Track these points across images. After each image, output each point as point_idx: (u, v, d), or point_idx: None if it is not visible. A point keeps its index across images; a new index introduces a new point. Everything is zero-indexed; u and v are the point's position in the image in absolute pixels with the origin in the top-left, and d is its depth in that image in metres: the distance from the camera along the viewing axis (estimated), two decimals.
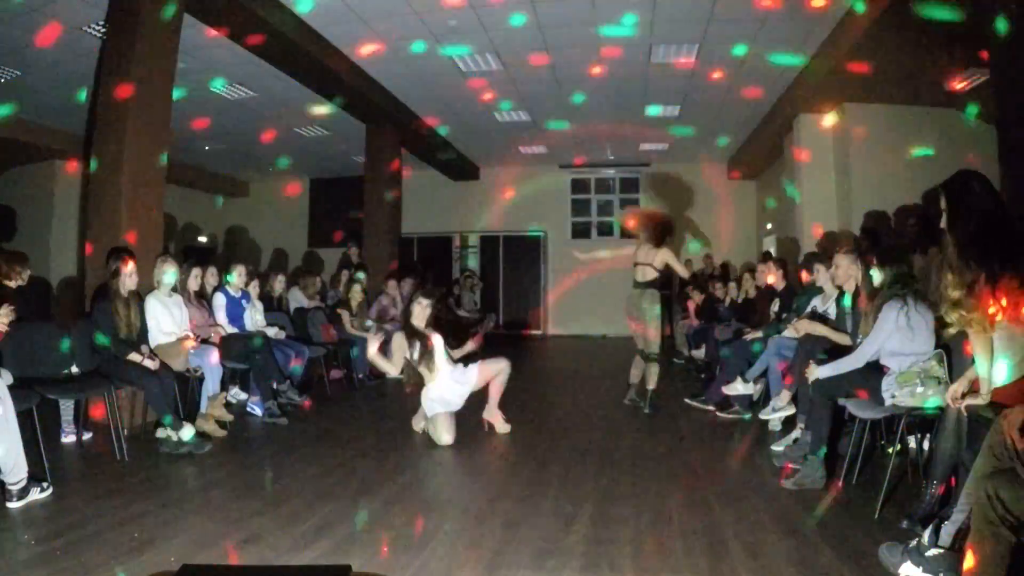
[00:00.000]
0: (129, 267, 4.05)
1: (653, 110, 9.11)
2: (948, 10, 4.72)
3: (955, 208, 2.36)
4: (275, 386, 4.90)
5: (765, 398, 4.81)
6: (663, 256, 5.04)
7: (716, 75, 7.58)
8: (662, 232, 5.14)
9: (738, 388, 4.87)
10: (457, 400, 4.26)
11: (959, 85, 6.59)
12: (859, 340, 3.49)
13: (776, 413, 4.34)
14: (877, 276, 3.20)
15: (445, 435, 4.03)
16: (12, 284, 4.28)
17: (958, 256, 2.29)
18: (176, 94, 5.12)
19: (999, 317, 2.23)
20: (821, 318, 4.22)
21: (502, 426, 4.38)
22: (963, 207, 2.34)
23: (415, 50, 6.89)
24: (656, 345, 5.08)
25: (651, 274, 5.05)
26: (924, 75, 6.39)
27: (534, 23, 6.27)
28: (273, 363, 4.93)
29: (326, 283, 8.08)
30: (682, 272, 5.36)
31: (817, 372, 3.30)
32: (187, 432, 3.81)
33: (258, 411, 4.86)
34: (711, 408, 5.06)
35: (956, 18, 4.67)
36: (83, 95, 6.85)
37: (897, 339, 3.02)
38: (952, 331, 2.51)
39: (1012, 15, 3.96)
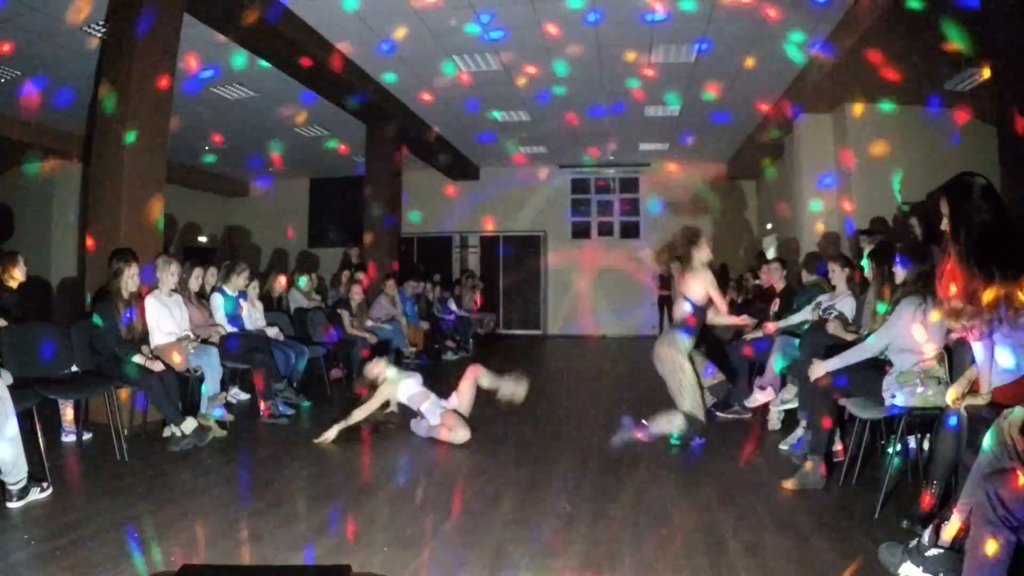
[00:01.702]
0: (132, 269, 4.06)
1: (653, 110, 9.12)
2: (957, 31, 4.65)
3: (957, 213, 2.36)
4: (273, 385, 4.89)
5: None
6: (700, 282, 3.88)
7: (716, 74, 7.58)
8: (687, 243, 3.96)
9: (757, 399, 4.65)
10: (442, 399, 4.36)
11: (959, 86, 6.59)
12: (864, 333, 3.49)
13: (784, 405, 4.33)
14: (901, 272, 3.16)
15: (462, 431, 4.08)
16: (12, 284, 4.28)
17: (962, 264, 2.28)
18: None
19: (1000, 324, 2.23)
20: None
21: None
22: (965, 212, 2.33)
23: (416, 50, 6.90)
24: (689, 403, 3.87)
25: (685, 309, 3.91)
26: (924, 75, 6.39)
27: (534, 22, 6.28)
28: (272, 363, 4.92)
29: (325, 281, 8.07)
30: (721, 306, 4.01)
31: (824, 365, 3.25)
32: (189, 424, 3.81)
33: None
34: (744, 415, 4.90)
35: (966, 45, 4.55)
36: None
37: (911, 336, 3.01)
38: (954, 336, 2.50)
39: (1013, 14, 3.97)
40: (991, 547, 1.76)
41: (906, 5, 4.87)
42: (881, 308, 3.46)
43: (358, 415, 4.26)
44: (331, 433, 4.13)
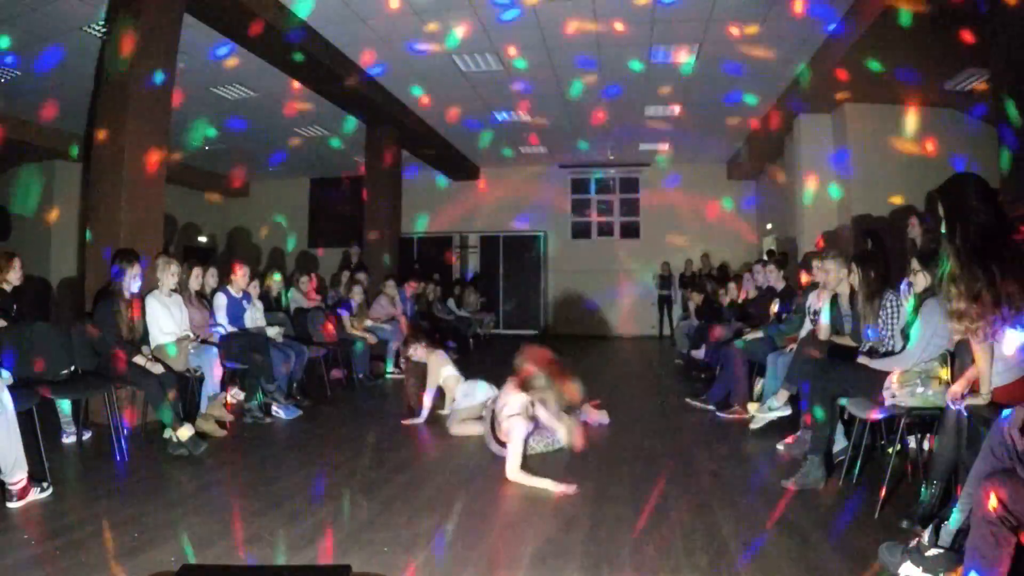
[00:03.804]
0: (135, 269, 4.06)
1: (653, 110, 9.12)
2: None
3: (952, 216, 2.35)
4: (264, 386, 4.89)
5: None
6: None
7: (716, 74, 7.58)
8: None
9: (766, 416, 4.40)
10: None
11: (959, 85, 6.59)
12: (869, 340, 3.49)
13: (772, 413, 4.33)
14: (922, 279, 3.11)
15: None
16: (6, 287, 4.24)
17: (960, 268, 2.27)
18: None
19: (1003, 323, 2.22)
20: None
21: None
22: (960, 215, 2.32)
23: (415, 50, 6.91)
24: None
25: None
26: (924, 75, 6.39)
27: (534, 22, 6.28)
28: (268, 364, 4.91)
29: (325, 281, 8.06)
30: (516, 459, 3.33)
31: (867, 362, 3.21)
32: (185, 432, 3.80)
33: (283, 414, 4.86)
34: (711, 407, 5.04)
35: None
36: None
37: (940, 337, 2.97)
38: (956, 338, 2.50)
39: (1013, 16, 3.97)
40: (991, 547, 1.76)
41: (899, 20, 4.87)
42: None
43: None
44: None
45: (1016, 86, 4.13)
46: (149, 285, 4.43)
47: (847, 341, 3.86)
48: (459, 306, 10.65)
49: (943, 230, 2.40)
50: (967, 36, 5.11)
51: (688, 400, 5.32)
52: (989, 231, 2.26)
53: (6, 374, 3.17)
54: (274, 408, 4.87)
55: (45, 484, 2.99)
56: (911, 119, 7.40)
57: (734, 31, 6.36)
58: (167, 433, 3.91)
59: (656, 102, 8.74)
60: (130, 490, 3.15)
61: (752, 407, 4.51)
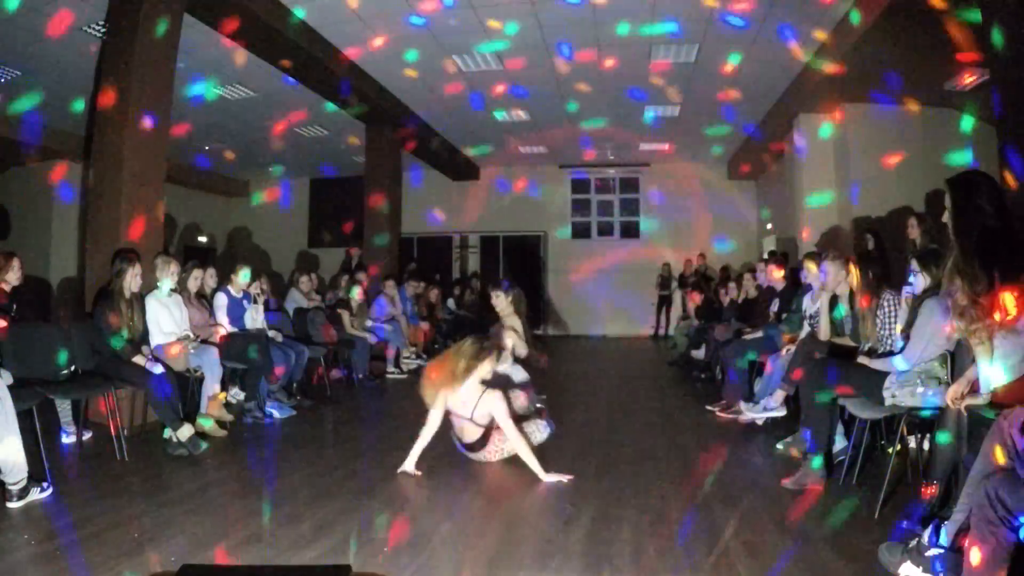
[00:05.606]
0: (135, 269, 4.06)
1: (653, 111, 9.11)
2: None
3: (960, 210, 2.35)
4: (266, 387, 4.89)
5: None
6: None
7: (716, 75, 7.58)
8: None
9: (761, 415, 4.44)
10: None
11: (959, 86, 6.59)
12: (865, 344, 3.49)
13: (767, 413, 4.32)
14: (922, 280, 3.09)
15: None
16: (5, 287, 4.23)
17: (965, 265, 2.27)
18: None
19: (999, 327, 2.22)
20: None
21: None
22: (968, 212, 2.32)
23: (416, 49, 6.91)
24: None
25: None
26: (924, 75, 6.39)
27: (535, 23, 6.28)
28: (268, 364, 4.91)
29: (324, 280, 8.05)
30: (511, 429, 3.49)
31: (866, 362, 3.22)
32: (185, 432, 3.80)
33: (277, 413, 4.86)
34: (738, 415, 4.74)
35: None
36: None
37: (943, 338, 2.95)
38: (955, 336, 2.50)
39: (1011, 15, 3.97)
40: (991, 547, 1.76)
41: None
42: (840, 312, 3.82)
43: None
44: None
45: (1015, 86, 4.12)
46: (149, 285, 4.43)
47: (847, 341, 3.86)
48: (458, 306, 10.64)
49: (947, 219, 2.40)
50: (967, 36, 5.11)
51: (709, 407, 5.12)
52: (993, 234, 2.26)
53: (6, 374, 3.16)
54: (268, 406, 4.86)
55: (45, 484, 2.99)
56: (911, 119, 7.41)
57: (735, 31, 6.36)
58: (167, 433, 3.91)
59: (656, 102, 8.74)
60: (130, 490, 3.15)
61: (743, 406, 4.52)
